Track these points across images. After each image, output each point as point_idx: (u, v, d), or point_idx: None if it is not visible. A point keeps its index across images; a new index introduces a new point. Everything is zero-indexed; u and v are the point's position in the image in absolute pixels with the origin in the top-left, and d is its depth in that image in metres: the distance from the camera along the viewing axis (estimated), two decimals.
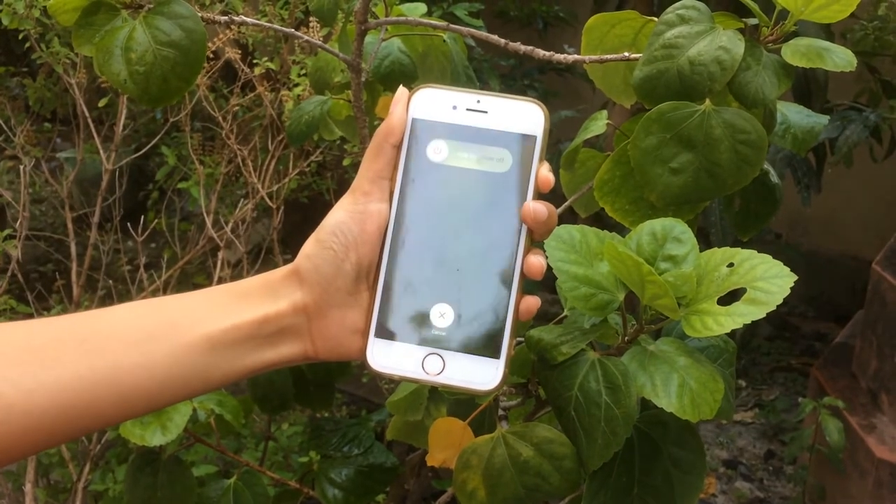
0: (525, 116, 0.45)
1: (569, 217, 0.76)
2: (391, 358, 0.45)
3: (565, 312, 0.63)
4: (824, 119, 0.75)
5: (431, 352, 0.44)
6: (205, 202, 1.82)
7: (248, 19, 0.77)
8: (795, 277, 0.50)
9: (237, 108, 1.92)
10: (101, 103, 1.95)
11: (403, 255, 0.45)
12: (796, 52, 0.60)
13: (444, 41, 0.88)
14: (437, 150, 0.45)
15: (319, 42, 0.84)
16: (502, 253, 0.44)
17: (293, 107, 1.66)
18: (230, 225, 1.75)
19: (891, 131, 2.29)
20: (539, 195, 0.45)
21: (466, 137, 0.45)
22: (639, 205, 0.66)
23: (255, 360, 0.45)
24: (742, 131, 0.60)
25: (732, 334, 0.54)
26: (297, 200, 2.28)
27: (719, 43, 0.60)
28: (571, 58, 0.68)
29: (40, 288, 1.92)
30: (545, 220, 0.44)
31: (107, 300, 1.78)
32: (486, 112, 0.45)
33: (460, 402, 0.70)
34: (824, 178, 2.29)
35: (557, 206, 0.73)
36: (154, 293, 1.70)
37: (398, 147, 0.46)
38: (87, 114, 1.74)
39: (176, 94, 0.67)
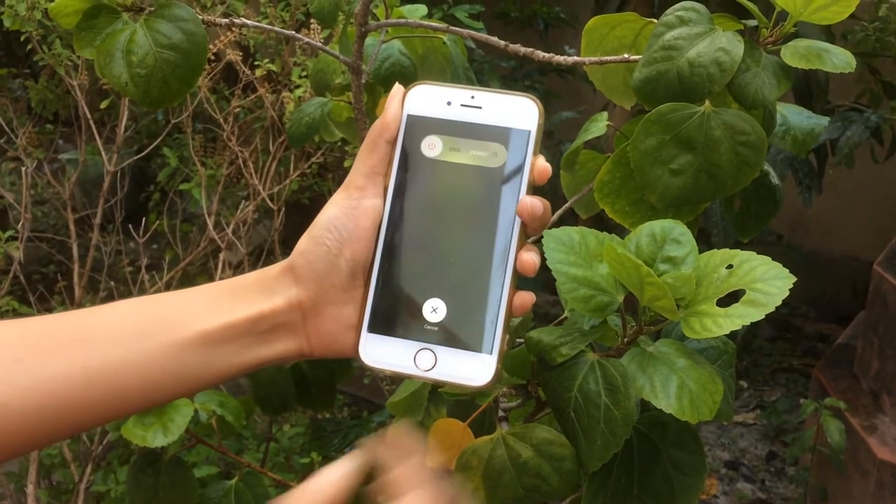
0: (519, 111, 0.45)
1: (570, 219, 0.76)
2: (383, 353, 0.44)
3: (565, 314, 0.64)
4: (824, 120, 0.75)
5: (423, 347, 0.44)
6: (206, 203, 1.83)
7: (249, 21, 0.77)
8: (794, 279, 0.50)
9: (238, 109, 1.93)
10: (103, 105, 1.95)
11: (397, 250, 0.45)
12: (795, 54, 0.60)
13: (445, 43, 0.89)
14: (432, 146, 0.45)
15: (320, 44, 0.85)
16: (496, 248, 0.44)
17: (294, 108, 1.66)
18: (231, 226, 1.75)
19: (892, 132, 2.29)
20: (534, 189, 0.45)
21: (461, 133, 0.45)
22: (639, 206, 0.66)
23: (249, 357, 0.45)
24: (742, 132, 0.60)
25: (733, 335, 0.55)
26: (298, 202, 2.29)
27: (719, 44, 0.60)
28: (571, 59, 0.68)
29: (42, 289, 1.92)
30: (541, 215, 0.44)
31: (108, 301, 1.78)
32: (480, 107, 0.45)
33: (460, 403, 0.70)
34: (825, 179, 2.29)
35: (558, 208, 0.73)
36: None
37: (393, 143, 0.46)
38: (88, 115, 1.74)
39: (177, 96, 0.68)
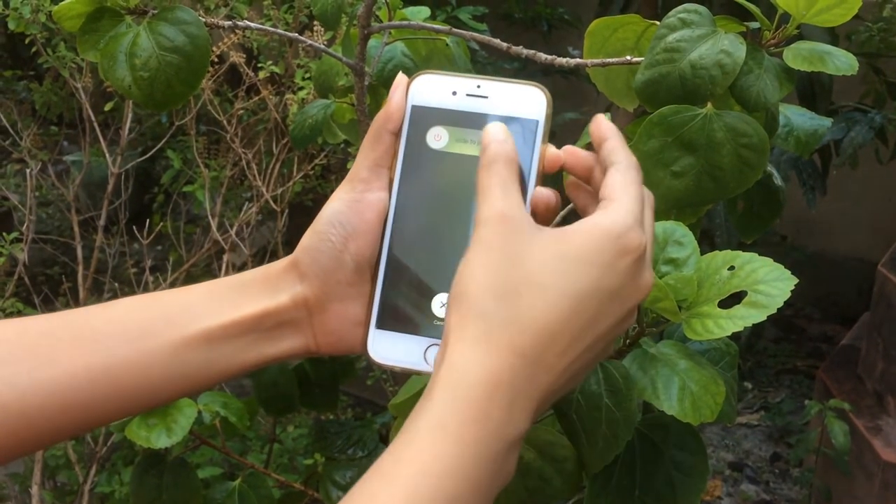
0: (526, 100, 0.44)
1: (573, 217, 0.75)
2: (392, 349, 0.43)
3: None
4: (827, 122, 0.75)
5: (433, 343, 0.43)
6: (210, 205, 1.83)
7: (252, 24, 0.77)
8: (796, 280, 0.50)
9: (242, 111, 1.93)
10: (107, 107, 1.96)
11: (404, 244, 0.44)
12: (798, 56, 0.60)
13: (447, 45, 0.89)
14: (437, 137, 0.44)
15: (323, 46, 0.85)
16: None
17: (297, 110, 1.66)
18: (235, 228, 1.76)
19: None
20: (543, 179, 0.44)
21: (467, 123, 0.44)
22: None
23: (254, 355, 0.44)
24: (744, 135, 0.60)
25: (737, 337, 0.55)
26: (301, 203, 2.29)
27: (721, 47, 0.60)
28: (574, 61, 0.68)
29: (47, 291, 1.92)
30: (553, 206, 0.43)
31: None
32: (486, 97, 0.44)
33: None
34: (830, 179, 2.29)
35: (562, 208, 0.73)
36: None
37: (397, 134, 0.44)
38: (93, 118, 1.74)
39: (180, 98, 0.68)
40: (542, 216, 0.43)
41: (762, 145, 0.60)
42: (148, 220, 1.86)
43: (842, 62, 0.60)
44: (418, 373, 0.44)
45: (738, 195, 0.65)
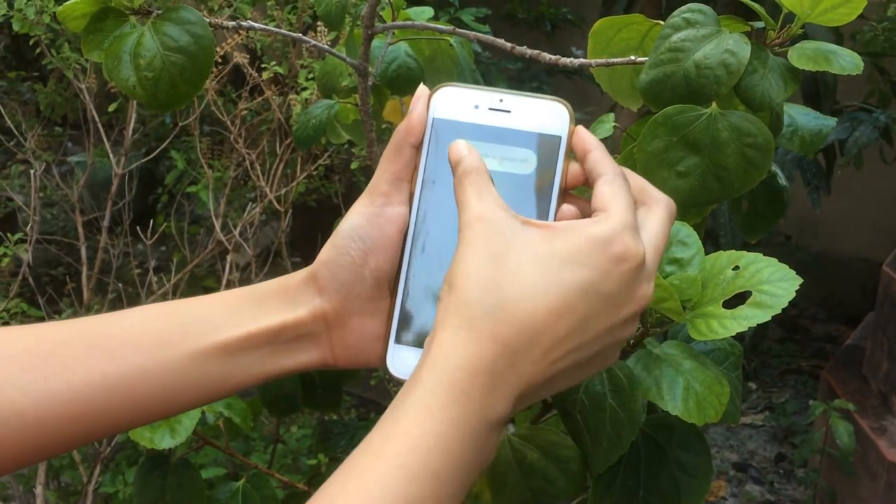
0: (549, 116, 0.43)
1: None
2: (411, 364, 0.43)
3: None
4: (832, 121, 0.75)
5: None
6: (213, 206, 1.83)
7: (256, 24, 0.77)
8: (801, 280, 0.50)
9: (245, 112, 1.93)
10: (111, 108, 1.96)
11: (424, 259, 0.44)
12: (803, 56, 0.60)
13: (451, 45, 0.89)
14: None
15: (327, 46, 0.85)
16: None
17: (301, 111, 1.66)
18: (238, 228, 1.76)
19: None
20: (564, 195, 0.43)
21: (489, 138, 0.43)
22: None
23: (271, 367, 0.44)
24: (749, 134, 0.60)
25: (741, 337, 0.54)
26: (304, 204, 2.29)
27: (725, 46, 0.59)
28: (578, 61, 0.68)
29: (51, 291, 1.93)
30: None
31: (117, 303, 1.79)
32: (509, 111, 0.43)
33: None
34: (834, 179, 2.28)
35: None
36: (164, 296, 1.71)
37: (418, 147, 0.44)
38: (97, 118, 1.75)
39: (184, 99, 0.68)
40: None
41: (767, 145, 0.60)
42: (152, 221, 1.86)
43: (847, 61, 0.60)
44: None
45: (742, 195, 0.65)
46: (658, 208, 0.42)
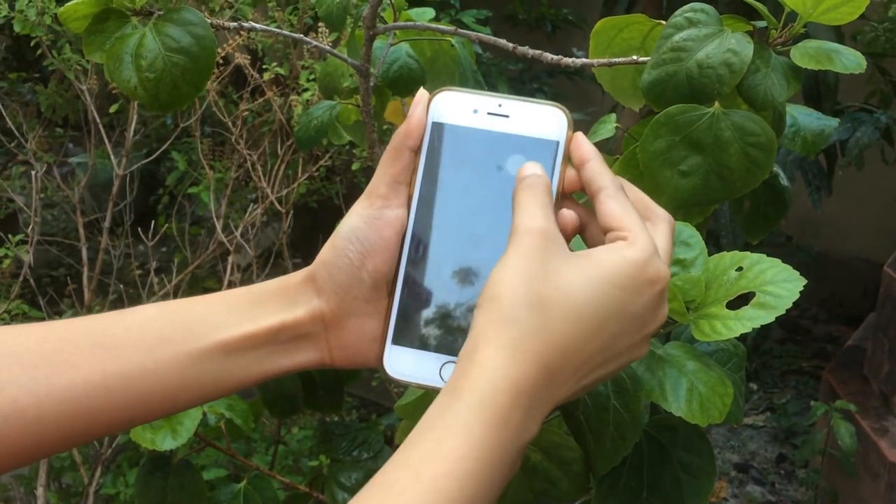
0: (547, 121, 0.44)
1: None
2: (408, 365, 0.44)
3: None
4: (834, 122, 0.75)
5: (449, 360, 0.43)
6: (215, 207, 1.83)
7: (258, 25, 0.77)
8: (805, 281, 0.50)
9: (247, 113, 1.93)
10: (112, 109, 1.96)
11: (422, 261, 0.44)
12: (805, 55, 0.60)
13: (453, 46, 0.89)
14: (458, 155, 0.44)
15: (328, 47, 0.85)
16: None
17: (302, 112, 1.66)
18: (240, 229, 1.76)
19: None
20: (562, 199, 0.44)
21: (487, 142, 0.44)
22: None
23: (269, 367, 0.44)
24: (751, 134, 0.60)
25: (743, 338, 0.54)
26: (306, 205, 2.29)
27: (728, 45, 0.59)
28: (580, 61, 0.68)
29: (52, 292, 1.93)
30: (576, 227, 0.43)
31: (118, 304, 1.79)
32: (507, 116, 0.44)
33: None
34: (835, 180, 2.28)
35: None
36: (165, 297, 1.71)
37: (417, 151, 0.44)
38: (98, 119, 1.75)
39: (186, 99, 0.68)
40: (568, 236, 0.43)
41: (770, 144, 0.60)
42: (153, 222, 1.86)
43: (849, 60, 0.60)
44: (433, 389, 0.44)
45: (744, 195, 0.65)
46: (662, 224, 0.43)
